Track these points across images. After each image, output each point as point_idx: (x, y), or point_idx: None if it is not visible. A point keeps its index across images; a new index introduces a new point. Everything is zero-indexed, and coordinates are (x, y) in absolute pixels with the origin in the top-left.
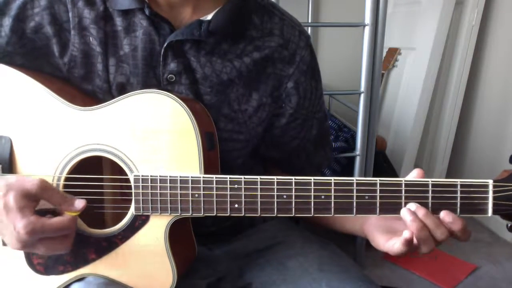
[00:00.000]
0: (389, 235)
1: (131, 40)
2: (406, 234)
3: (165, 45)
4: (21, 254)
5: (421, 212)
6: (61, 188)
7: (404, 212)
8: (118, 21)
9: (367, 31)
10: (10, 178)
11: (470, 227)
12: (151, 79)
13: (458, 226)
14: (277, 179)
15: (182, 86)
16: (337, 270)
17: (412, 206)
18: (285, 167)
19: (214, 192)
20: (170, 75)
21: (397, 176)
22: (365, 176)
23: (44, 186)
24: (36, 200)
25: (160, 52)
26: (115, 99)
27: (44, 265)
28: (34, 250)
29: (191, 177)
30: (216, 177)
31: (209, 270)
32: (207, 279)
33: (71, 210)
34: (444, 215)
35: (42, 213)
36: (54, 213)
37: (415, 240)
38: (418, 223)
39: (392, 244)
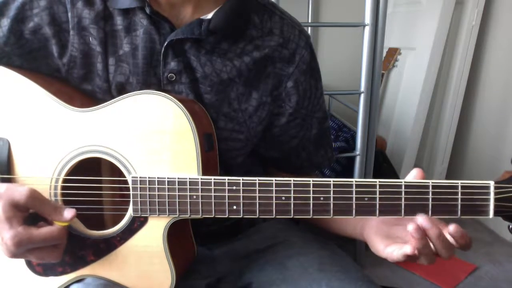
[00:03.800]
0: (389, 240)
1: (131, 39)
2: (407, 250)
3: (165, 44)
4: None
5: (433, 231)
6: (59, 190)
7: (412, 229)
8: (119, 20)
9: (367, 31)
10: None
11: (470, 227)
12: (152, 78)
13: (465, 240)
14: (275, 180)
15: (182, 85)
16: (337, 270)
17: (426, 223)
18: (285, 167)
19: (212, 194)
20: (171, 74)
21: (397, 176)
22: (365, 176)
23: (33, 196)
24: (25, 210)
25: (160, 51)
26: (113, 100)
27: (43, 267)
28: (26, 258)
29: (189, 178)
30: (214, 179)
31: (209, 270)
32: (206, 279)
33: (60, 220)
34: (454, 230)
35: (34, 218)
36: (47, 219)
37: (416, 252)
38: (424, 241)
39: (391, 252)
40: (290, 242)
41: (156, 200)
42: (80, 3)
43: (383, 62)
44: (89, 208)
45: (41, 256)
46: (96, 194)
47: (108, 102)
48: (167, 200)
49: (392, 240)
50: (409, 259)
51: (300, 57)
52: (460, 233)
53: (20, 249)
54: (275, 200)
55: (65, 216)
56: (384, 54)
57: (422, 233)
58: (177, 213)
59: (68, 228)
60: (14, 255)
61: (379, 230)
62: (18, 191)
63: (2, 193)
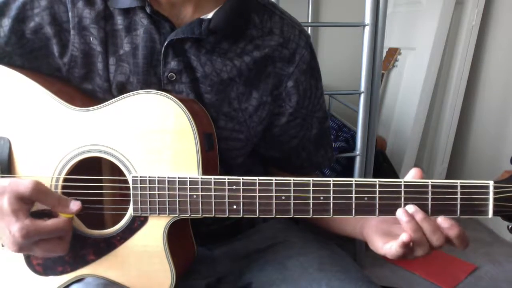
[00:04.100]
0: (388, 238)
1: (132, 39)
2: (403, 237)
3: (165, 43)
4: (20, 255)
5: (419, 215)
6: (59, 189)
7: (400, 213)
8: (119, 20)
9: (367, 31)
10: (4, 181)
11: (470, 227)
12: (152, 77)
13: (455, 232)
14: (275, 180)
15: (182, 85)
16: (337, 270)
17: (410, 208)
18: (285, 167)
19: (213, 193)
20: (171, 74)
21: (397, 176)
22: (365, 176)
23: (38, 188)
24: (30, 203)
25: (160, 50)
26: (114, 99)
27: (43, 266)
28: (31, 252)
29: (189, 178)
30: (214, 178)
31: (208, 271)
32: (206, 279)
33: (65, 212)
34: (442, 220)
35: (39, 214)
36: (51, 215)
37: (410, 243)
38: (413, 224)
39: (389, 247)
40: (290, 242)
41: (156, 199)
42: (80, 3)
43: (383, 62)
44: (89, 207)
45: (48, 248)
46: (97, 193)
47: (108, 101)
48: (167, 199)
49: (391, 237)
50: (406, 252)
51: (300, 56)
52: (449, 224)
53: (27, 241)
54: (275, 199)
55: (71, 208)
56: (384, 54)
57: (410, 216)
58: (177, 212)
59: None
60: (21, 248)
61: (379, 228)
62: (23, 184)
63: (6, 186)
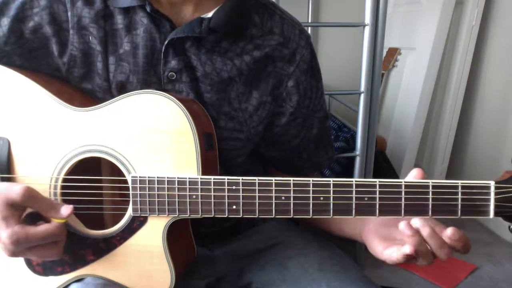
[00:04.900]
0: (387, 242)
1: (132, 38)
2: (406, 250)
3: (166, 42)
4: None
5: (425, 231)
6: (59, 189)
7: (403, 226)
8: (119, 19)
9: (367, 31)
10: None
11: (470, 228)
12: (152, 77)
13: (462, 243)
14: (275, 180)
15: (182, 84)
16: (337, 270)
17: (417, 222)
18: (285, 168)
19: (212, 194)
20: (171, 73)
21: (397, 176)
22: (365, 176)
23: (29, 194)
24: (21, 209)
25: (160, 49)
26: (113, 99)
27: (43, 266)
28: (25, 257)
29: (189, 178)
30: (214, 178)
31: (208, 270)
32: (206, 279)
33: (57, 217)
34: (452, 233)
35: (33, 219)
36: (45, 218)
37: (414, 252)
38: (417, 238)
39: (390, 253)
40: (290, 242)
41: (156, 199)
42: (80, 2)
43: (383, 62)
44: (88, 207)
45: (41, 253)
46: (96, 193)
47: (108, 101)
48: (166, 199)
49: (391, 242)
50: (408, 260)
51: (300, 56)
52: (458, 236)
53: (19, 247)
54: (275, 200)
55: (62, 213)
56: (384, 54)
57: (415, 230)
58: (177, 212)
59: (67, 228)
60: (14, 253)
61: (378, 232)
62: (13, 190)
63: None
